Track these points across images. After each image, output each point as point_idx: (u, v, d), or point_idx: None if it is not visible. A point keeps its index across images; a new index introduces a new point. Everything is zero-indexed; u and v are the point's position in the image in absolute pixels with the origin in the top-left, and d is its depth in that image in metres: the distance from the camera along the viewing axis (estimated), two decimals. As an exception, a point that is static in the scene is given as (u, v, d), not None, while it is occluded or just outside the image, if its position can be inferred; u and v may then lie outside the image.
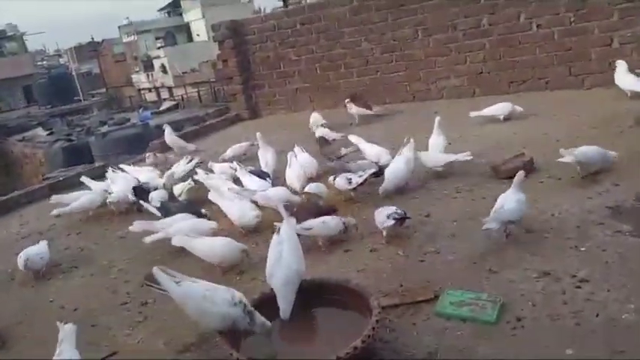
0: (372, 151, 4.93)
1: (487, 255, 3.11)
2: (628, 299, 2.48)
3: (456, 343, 2.41)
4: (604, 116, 5.28)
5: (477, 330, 2.46)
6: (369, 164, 4.59)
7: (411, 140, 4.44)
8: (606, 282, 2.65)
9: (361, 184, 4.24)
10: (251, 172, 4.91)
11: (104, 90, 40.51)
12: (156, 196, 4.81)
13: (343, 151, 5.24)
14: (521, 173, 3.36)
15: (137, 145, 10.33)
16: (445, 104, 7.19)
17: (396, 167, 4.29)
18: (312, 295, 2.71)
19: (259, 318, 2.41)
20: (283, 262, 2.63)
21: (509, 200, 3.21)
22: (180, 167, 5.46)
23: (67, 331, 2.51)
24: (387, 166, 4.43)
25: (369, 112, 7.08)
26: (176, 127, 14.73)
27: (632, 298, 2.48)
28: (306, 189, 4.34)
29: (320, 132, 6.18)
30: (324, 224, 3.55)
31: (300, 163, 4.85)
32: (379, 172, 4.31)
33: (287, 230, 2.81)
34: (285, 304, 2.52)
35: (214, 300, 2.40)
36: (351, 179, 4.24)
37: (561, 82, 6.74)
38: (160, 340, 2.84)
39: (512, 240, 3.23)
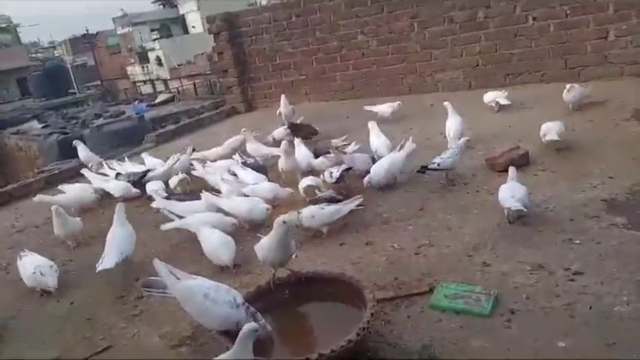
0: (376, 143, 4.92)
1: (481, 248, 3.12)
2: (621, 292, 2.50)
3: (450, 335, 2.42)
4: (599, 109, 5.29)
5: (471, 322, 2.48)
6: (366, 158, 4.61)
7: (410, 140, 4.45)
8: (600, 275, 2.66)
9: (340, 177, 4.27)
10: (249, 164, 4.90)
11: (99, 82, 40.26)
12: (153, 187, 4.81)
13: (334, 142, 5.24)
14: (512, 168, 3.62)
15: (132, 137, 10.26)
16: (441, 97, 7.16)
17: (379, 165, 4.30)
18: (308, 287, 2.73)
19: (260, 319, 2.39)
20: None
21: (517, 188, 3.36)
22: (181, 159, 5.45)
23: None
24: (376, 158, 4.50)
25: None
26: (171, 120, 14.70)
27: (625, 291, 2.50)
28: (304, 182, 4.33)
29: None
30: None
31: (297, 156, 4.85)
32: (350, 168, 4.39)
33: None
34: None
35: (216, 300, 2.35)
36: (332, 172, 4.30)
37: (557, 75, 6.73)
38: (155, 333, 2.84)
39: (507, 233, 3.24)
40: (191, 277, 2.49)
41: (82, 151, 6.42)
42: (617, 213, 3.25)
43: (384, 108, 6.41)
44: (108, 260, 3.44)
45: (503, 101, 5.96)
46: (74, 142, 6.72)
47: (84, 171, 5.65)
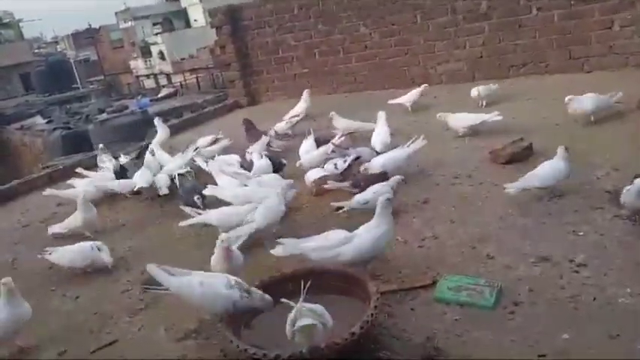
0: (373, 138, 4.90)
1: (485, 240, 3.13)
2: (625, 283, 2.50)
3: (454, 327, 2.43)
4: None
5: (475, 315, 2.48)
6: (370, 150, 4.62)
7: (421, 138, 4.37)
8: (604, 266, 2.66)
9: (346, 169, 4.29)
10: (268, 157, 4.90)
11: (102, 77, 40.27)
12: (161, 180, 4.86)
13: (335, 138, 5.23)
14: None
15: (136, 132, 10.27)
16: (444, 89, 7.15)
17: (375, 162, 4.29)
18: (311, 281, 2.73)
19: (257, 292, 2.49)
20: None
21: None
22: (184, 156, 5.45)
23: None
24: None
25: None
26: (175, 114, 14.70)
27: (629, 282, 2.50)
28: (312, 175, 4.33)
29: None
30: (376, 194, 3.52)
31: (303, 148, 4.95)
32: (359, 157, 4.39)
33: None
34: None
35: (212, 285, 2.49)
36: (336, 164, 4.28)
37: (561, 66, 6.69)
38: (160, 327, 2.86)
39: (511, 225, 3.24)
40: (186, 272, 2.58)
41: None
42: (622, 204, 3.23)
43: (410, 97, 6.26)
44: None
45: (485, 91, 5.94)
46: (155, 119, 6.75)
47: (79, 169, 5.72)
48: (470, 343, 2.32)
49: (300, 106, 6.82)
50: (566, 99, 4.76)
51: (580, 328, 2.27)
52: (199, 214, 3.83)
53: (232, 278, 2.54)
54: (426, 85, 6.43)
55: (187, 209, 3.90)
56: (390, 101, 6.33)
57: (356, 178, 4.09)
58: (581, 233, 3.01)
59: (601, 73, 6.37)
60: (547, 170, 3.48)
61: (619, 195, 3.33)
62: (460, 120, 5.05)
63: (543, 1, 6.66)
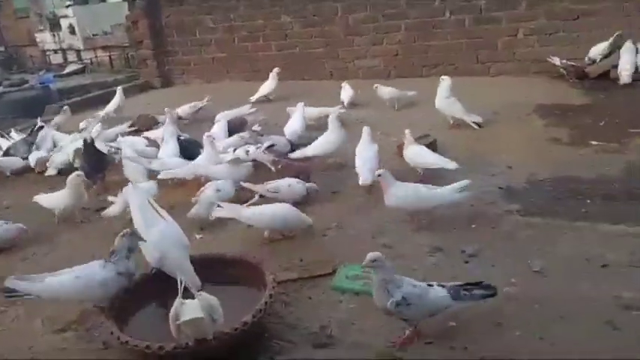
0: (289, 127, 4.92)
1: (385, 231, 3.19)
2: (511, 274, 2.63)
3: (348, 316, 2.44)
4: (505, 102, 5.57)
5: (370, 303, 2.48)
6: (285, 140, 4.58)
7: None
8: (492, 258, 2.80)
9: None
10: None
11: (3, 48, 36.72)
12: (56, 160, 4.70)
13: (255, 126, 5.14)
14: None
15: (35, 108, 9.44)
16: (361, 84, 7.22)
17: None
18: (208, 269, 2.62)
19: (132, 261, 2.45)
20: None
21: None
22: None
23: None
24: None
25: None
26: (82, 92, 13.67)
27: (514, 273, 2.64)
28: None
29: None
30: (290, 188, 3.58)
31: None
32: (273, 145, 4.39)
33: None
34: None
35: (88, 273, 2.37)
36: (248, 150, 4.22)
37: (469, 69, 7.00)
38: (37, 318, 2.62)
39: (409, 217, 3.31)
40: (51, 274, 2.43)
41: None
42: (513, 200, 3.43)
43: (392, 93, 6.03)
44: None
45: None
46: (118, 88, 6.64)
47: None
48: (364, 331, 2.34)
49: (268, 86, 6.71)
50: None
51: (467, 316, 2.35)
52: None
53: (106, 260, 2.44)
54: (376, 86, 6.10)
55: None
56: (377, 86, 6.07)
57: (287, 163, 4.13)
58: (474, 226, 3.14)
59: (505, 77, 6.76)
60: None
61: (511, 191, 3.56)
62: (309, 112, 5.26)
63: (457, 4, 6.91)
